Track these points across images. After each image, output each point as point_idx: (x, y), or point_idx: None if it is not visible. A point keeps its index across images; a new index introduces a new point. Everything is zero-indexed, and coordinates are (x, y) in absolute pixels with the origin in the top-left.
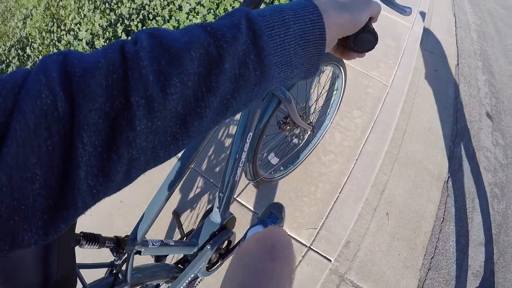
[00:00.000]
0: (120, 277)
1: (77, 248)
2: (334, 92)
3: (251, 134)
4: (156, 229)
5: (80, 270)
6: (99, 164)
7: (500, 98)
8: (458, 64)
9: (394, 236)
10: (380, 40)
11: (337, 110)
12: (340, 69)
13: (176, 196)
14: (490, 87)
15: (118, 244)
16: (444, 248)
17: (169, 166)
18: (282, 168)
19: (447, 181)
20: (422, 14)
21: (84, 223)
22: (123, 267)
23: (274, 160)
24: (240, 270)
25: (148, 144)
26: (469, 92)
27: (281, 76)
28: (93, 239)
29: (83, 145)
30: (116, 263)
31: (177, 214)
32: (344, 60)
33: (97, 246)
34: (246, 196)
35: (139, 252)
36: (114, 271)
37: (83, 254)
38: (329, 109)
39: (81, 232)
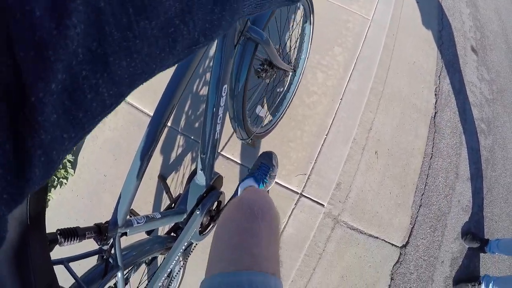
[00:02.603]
0: (112, 262)
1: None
2: (305, 25)
3: (226, 87)
4: (144, 198)
5: (70, 264)
6: (3, 160)
7: (485, 33)
8: None
9: (384, 174)
10: None
11: (311, 44)
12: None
13: (158, 160)
14: (474, 20)
15: (100, 232)
16: (434, 184)
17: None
18: (271, 117)
19: (434, 116)
20: None
21: (74, 206)
22: (113, 251)
23: (262, 112)
24: (227, 233)
25: (58, 112)
26: (453, 26)
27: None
28: (71, 233)
29: None
30: (104, 248)
31: (163, 177)
32: None
33: (78, 240)
34: (230, 149)
35: (125, 234)
36: (105, 257)
37: (72, 246)
38: (303, 45)
39: (57, 230)
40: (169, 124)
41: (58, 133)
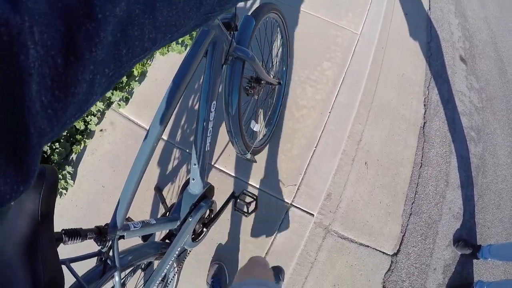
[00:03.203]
0: (110, 263)
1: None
2: (280, 40)
3: (214, 103)
4: (141, 208)
5: (71, 264)
6: (54, 72)
7: (474, 42)
8: (430, 8)
9: (374, 184)
10: None
11: (289, 54)
12: (277, 14)
13: (155, 172)
14: (463, 30)
15: (100, 234)
16: (424, 192)
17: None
18: (265, 130)
19: (423, 126)
20: None
21: (73, 215)
22: (111, 253)
23: (256, 127)
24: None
25: (112, 38)
26: (442, 36)
27: None
28: (75, 234)
29: (35, 44)
30: (103, 250)
31: (159, 189)
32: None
33: (80, 240)
34: (223, 162)
35: (122, 237)
36: (103, 259)
37: (74, 249)
38: (282, 57)
39: (62, 230)
40: (166, 138)
41: (105, 60)
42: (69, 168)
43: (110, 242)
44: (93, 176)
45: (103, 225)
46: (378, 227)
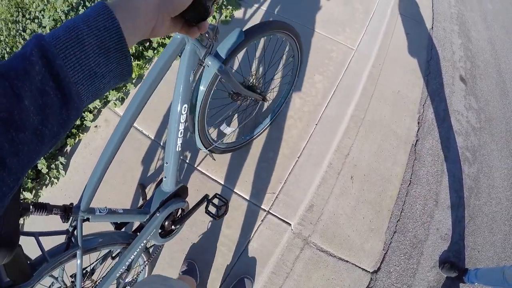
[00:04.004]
0: (73, 241)
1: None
2: (291, 60)
3: (186, 106)
4: (123, 202)
5: (40, 238)
6: None
7: (475, 62)
8: (432, 27)
9: (358, 199)
10: (349, 3)
11: (297, 78)
12: (291, 36)
13: (140, 169)
14: (465, 51)
15: (65, 211)
16: (410, 211)
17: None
18: (242, 137)
19: (415, 144)
20: None
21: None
22: (75, 233)
23: (227, 130)
24: None
25: None
26: (443, 55)
27: (91, 89)
28: (41, 207)
29: None
30: (70, 229)
31: (143, 186)
32: (304, 24)
33: (46, 213)
34: (204, 165)
35: (87, 219)
36: (69, 237)
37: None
38: (288, 77)
39: (31, 202)
40: (152, 137)
41: None
42: (62, 159)
43: (76, 222)
44: (84, 169)
45: (69, 204)
46: (360, 242)
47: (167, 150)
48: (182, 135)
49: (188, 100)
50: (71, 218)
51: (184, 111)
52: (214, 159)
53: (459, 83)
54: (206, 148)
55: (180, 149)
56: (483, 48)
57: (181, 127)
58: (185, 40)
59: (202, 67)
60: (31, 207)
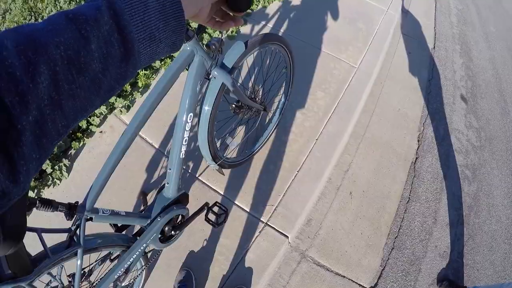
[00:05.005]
0: (75, 240)
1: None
2: (283, 70)
3: (191, 114)
4: (124, 206)
5: (43, 234)
6: None
7: (477, 82)
8: (434, 47)
9: (357, 215)
10: (352, 23)
11: (291, 87)
12: (282, 47)
13: (143, 176)
14: (467, 70)
15: (70, 209)
16: (409, 228)
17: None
18: (246, 151)
19: (415, 162)
20: None
21: None
22: (79, 232)
23: (232, 143)
24: None
25: (32, 135)
26: (444, 75)
27: (148, 51)
28: (47, 203)
29: None
30: (73, 228)
31: (144, 193)
32: (308, 41)
33: (51, 210)
34: (206, 176)
35: (91, 219)
36: (71, 236)
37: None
38: (282, 88)
39: (38, 197)
40: (157, 146)
41: (31, 151)
42: (65, 161)
43: (79, 221)
44: (87, 173)
45: (74, 202)
46: (357, 258)
47: (171, 157)
48: (186, 143)
49: (194, 109)
50: (75, 216)
51: (190, 119)
52: (223, 174)
53: (460, 102)
54: (215, 162)
55: (184, 156)
56: (484, 67)
57: (186, 135)
58: (194, 52)
59: (208, 80)
60: (37, 201)
